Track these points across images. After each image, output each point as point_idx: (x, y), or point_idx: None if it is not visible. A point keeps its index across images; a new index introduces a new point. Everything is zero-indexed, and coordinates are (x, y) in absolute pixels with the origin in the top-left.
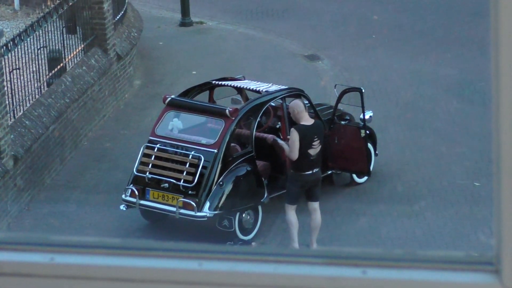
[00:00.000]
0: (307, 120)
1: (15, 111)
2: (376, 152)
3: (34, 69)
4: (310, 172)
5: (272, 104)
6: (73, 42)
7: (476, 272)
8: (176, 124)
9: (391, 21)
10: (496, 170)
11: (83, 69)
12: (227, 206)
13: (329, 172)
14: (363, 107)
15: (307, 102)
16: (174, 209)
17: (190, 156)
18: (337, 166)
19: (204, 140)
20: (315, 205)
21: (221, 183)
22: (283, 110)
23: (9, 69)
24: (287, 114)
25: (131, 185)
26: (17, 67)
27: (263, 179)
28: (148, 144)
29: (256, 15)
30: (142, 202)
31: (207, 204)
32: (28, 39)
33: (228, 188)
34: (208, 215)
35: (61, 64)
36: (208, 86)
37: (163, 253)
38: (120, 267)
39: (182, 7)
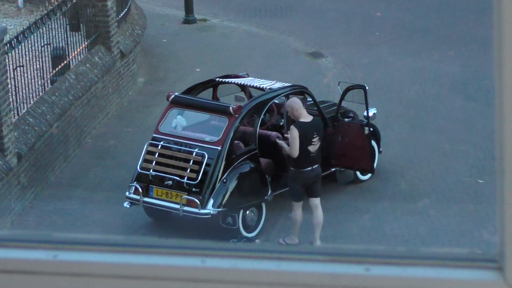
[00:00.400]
0: (306, 117)
1: (19, 109)
2: (380, 149)
3: (38, 66)
4: (310, 168)
5: (276, 101)
6: (77, 40)
7: (479, 270)
8: (179, 121)
9: (395, 18)
10: (499, 168)
11: (87, 66)
12: (231, 203)
13: (333, 170)
14: (366, 104)
15: (310, 99)
16: (177, 206)
17: (194, 153)
18: (341, 163)
19: (207, 138)
20: (316, 201)
21: (224, 180)
22: None
23: (12, 67)
24: (285, 112)
25: (135, 182)
26: (21, 64)
27: (267, 177)
28: (151, 142)
29: (260, 13)
30: (146, 199)
31: (211, 202)
32: (32, 37)
33: (232, 185)
34: (211, 212)
35: (65, 62)
36: (212, 84)
37: (166, 250)
38: (123, 264)
39: (185, 5)
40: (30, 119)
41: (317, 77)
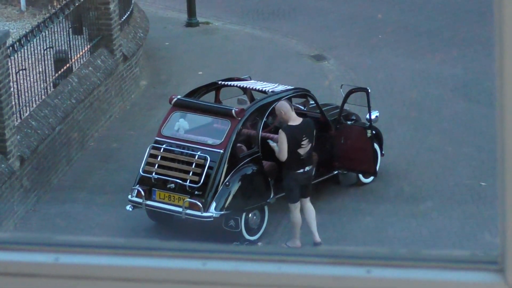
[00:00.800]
0: (294, 120)
1: (22, 112)
2: (382, 152)
3: (41, 69)
4: (302, 170)
5: None
6: (80, 43)
7: (480, 271)
8: (182, 124)
9: (397, 21)
10: (500, 170)
11: (90, 69)
12: (234, 206)
13: (335, 172)
14: (369, 107)
15: (313, 102)
16: (180, 209)
17: (196, 156)
18: (343, 166)
19: (210, 141)
20: (307, 201)
21: (227, 183)
22: None
23: (15, 70)
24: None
25: (137, 185)
26: (24, 67)
27: (270, 179)
28: (154, 145)
29: (262, 15)
30: (148, 202)
31: (213, 205)
32: (35, 40)
33: (235, 188)
34: (214, 215)
35: (67, 65)
36: (214, 87)
37: (168, 253)
38: (124, 267)
39: (188, 8)
40: (33, 122)
41: (319, 79)
